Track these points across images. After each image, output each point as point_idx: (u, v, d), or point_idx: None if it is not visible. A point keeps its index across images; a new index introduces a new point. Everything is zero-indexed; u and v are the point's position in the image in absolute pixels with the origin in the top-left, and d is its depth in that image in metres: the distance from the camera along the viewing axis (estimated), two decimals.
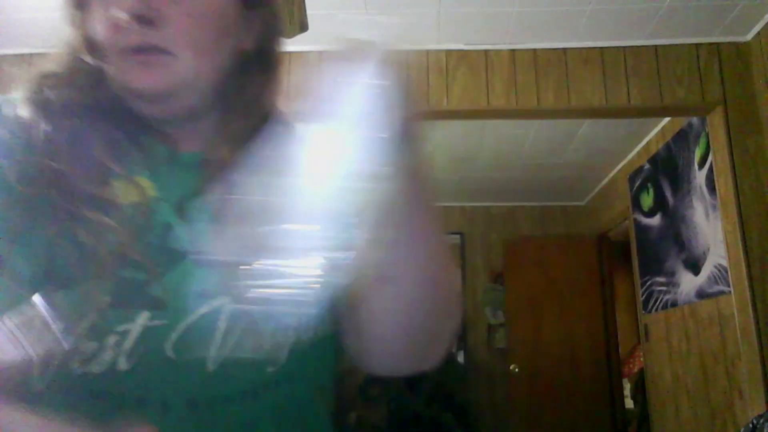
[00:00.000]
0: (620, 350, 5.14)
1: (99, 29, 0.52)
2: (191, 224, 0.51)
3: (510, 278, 5.10)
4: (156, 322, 0.47)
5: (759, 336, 2.58)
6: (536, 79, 2.86)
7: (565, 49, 2.87)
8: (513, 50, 2.89)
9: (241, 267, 0.49)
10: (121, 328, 0.46)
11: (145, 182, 0.52)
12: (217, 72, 0.56)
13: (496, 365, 5.16)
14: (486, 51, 2.89)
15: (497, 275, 5.30)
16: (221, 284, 0.49)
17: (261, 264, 0.48)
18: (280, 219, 0.47)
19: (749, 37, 2.80)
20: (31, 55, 2.95)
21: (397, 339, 0.54)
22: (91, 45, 0.53)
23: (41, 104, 0.52)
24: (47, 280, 0.46)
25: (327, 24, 2.71)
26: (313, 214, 0.46)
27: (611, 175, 4.71)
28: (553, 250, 5.16)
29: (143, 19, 0.50)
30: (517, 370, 4.90)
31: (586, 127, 3.82)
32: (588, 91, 2.83)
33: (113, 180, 0.51)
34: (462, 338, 5.25)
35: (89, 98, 0.53)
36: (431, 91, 2.86)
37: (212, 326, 0.48)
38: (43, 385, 0.45)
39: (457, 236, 5.48)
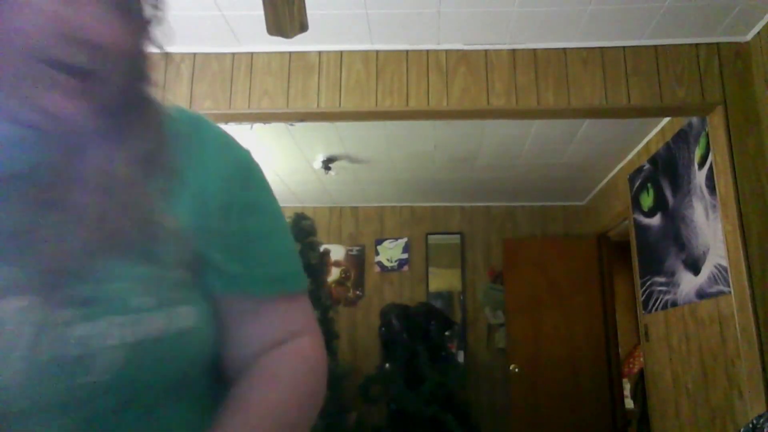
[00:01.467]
0: (620, 350, 5.14)
1: None
2: None
3: (510, 278, 5.10)
4: None
5: (759, 336, 2.58)
6: (536, 79, 2.86)
7: (565, 49, 2.87)
8: (513, 50, 2.89)
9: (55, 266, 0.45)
10: None
11: None
12: None
13: (496, 365, 5.16)
14: (486, 51, 2.90)
15: (497, 275, 5.30)
16: (25, 281, 0.44)
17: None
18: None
19: (749, 37, 2.80)
20: None
21: None
22: None
23: None
24: None
25: (327, 24, 2.71)
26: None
27: (611, 175, 4.71)
28: (553, 250, 5.16)
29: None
30: (517, 370, 4.91)
31: (586, 127, 3.82)
32: (588, 91, 2.83)
33: None
34: (462, 338, 5.25)
35: None
36: (431, 91, 2.86)
37: (12, 333, 0.43)
38: None
39: (457, 236, 5.48)
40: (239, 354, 0.58)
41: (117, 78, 0.50)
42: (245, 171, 0.61)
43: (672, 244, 3.50)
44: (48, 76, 0.46)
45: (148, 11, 0.54)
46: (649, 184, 3.87)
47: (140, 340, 0.47)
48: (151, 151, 0.53)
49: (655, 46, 2.85)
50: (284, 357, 0.58)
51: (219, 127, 0.63)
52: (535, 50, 2.88)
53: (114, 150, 0.51)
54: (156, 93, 0.57)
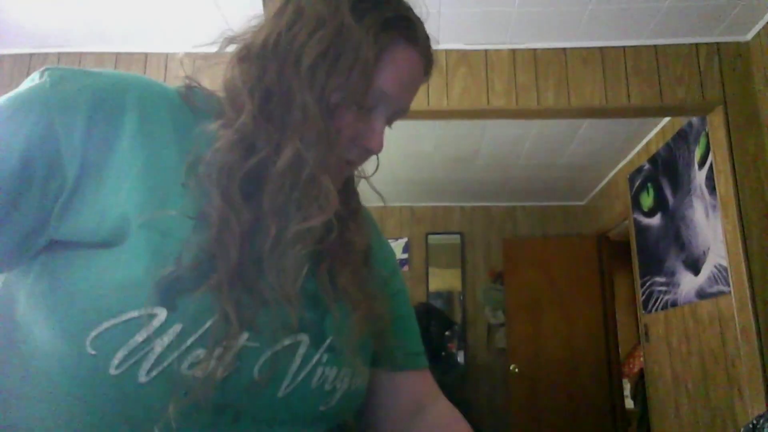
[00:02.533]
0: (620, 350, 5.14)
1: (334, 132, 0.60)
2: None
3: (510, 278, 5.10)
4: (251, 344, 0.53)
5: (759, 336, 2.58)
6: (536, 79, 2.86)
7: (565, 49, 2.87)
8: (513, 50, 2.89)
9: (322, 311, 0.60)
10: (226, 342, 0.50)
11: None
12: None
13: (496, 365, 5.16)
14: (486, 51, 2.90)
15: (497, 275, 5.30)
16: (303, 322, 0.57)
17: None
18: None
19: (749, 37, 2.80)
20: (30, 55, 2.96)
21: None
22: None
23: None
24: (176, 281, 0.50)
25: None
26: None
27: (611, 175, 4.71)
28: (553, 250, 5.16)
29: (375, 153, 0.65)
30: (517, 370, 4.91)
31: (586, 127, 3.82)
32: (588, 91, 2.83)
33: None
34: (462, 338, 5.25)
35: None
36: (431, 91, 2.86)
37: (290, 358, 0.56)
38: (147, 379, 0.48)
39: (457, 236, 5.48)
40: (391, 414, 0.73)
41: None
42: (396, 262, 0.81)
43: (672, 244, 3.50)
44: (338, 166, 0.63)
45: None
46: (649, 184, 3.87)
47: (351, 390, 0.62)
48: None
49: (655, 46, 2.85)
50: (454, 413, 0.73)
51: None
52: (535, 50, 2.88)
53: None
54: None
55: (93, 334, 0.48)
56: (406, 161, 4.47)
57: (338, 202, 0.58)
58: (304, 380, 0.57)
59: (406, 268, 5.45)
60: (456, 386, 4.65)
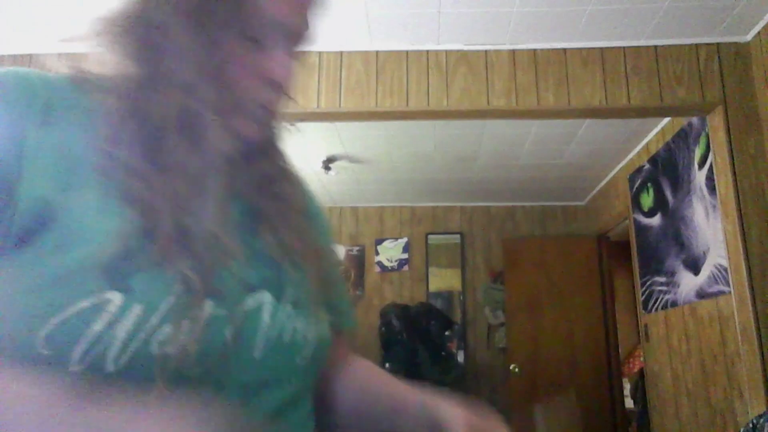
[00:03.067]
0: (620, 350, 5.14)
1: (229, 73, 0.59)
2: (236, 225, 0.58)
3: (510, 278, 5.10)
4: (217, 311, 0.52)
5: (759, 336, 2.59)
6: (536, 79, 2.86)
7: (565, 49, 2.88)
8: (513, 50, 2.89)
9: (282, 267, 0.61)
10: (191, 313, 0.49)
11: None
12: None
13: (496, 365, 5.16)
14: (486, 51, 2.90)
15: (497, 275, 5.30)
16: (261, 280, 0.58)
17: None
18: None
19: (749, 37, 2.80)
20: (30, 55, 2.96)
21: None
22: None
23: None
24: (122, 263, 0.49)
25: (327, 24, 2.71)
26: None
27: (611, 175, 4.71)
28: (553, 250, 5.16)
29: (284, 86, 0.62)
30: (517, 370, 4.91)
31: (586, 127, 3.82)
32: (588, 91, 2.83)
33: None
34: (462, 338, 5.25)
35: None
36: (431, 91, 2.86)
37: (258, 317, 0.56)
38: (115, 367, 0.47)
39: (457, 236, 5.48)
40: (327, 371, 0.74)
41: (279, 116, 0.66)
42: (326, 219, 0.80)
43: (672, 244, 3.50)
44: (247, 110, 0.60)
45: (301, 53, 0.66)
46: (649, 184, 3.87)
47: (320, 339, 0.63)
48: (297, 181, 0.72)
49: (655, 46, 2.85)
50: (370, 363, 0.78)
51: None
52: (535, 50, 2.88)
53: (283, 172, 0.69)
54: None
55: (42, 333, 0.45)
56: (406, 161, 4.47)
57: (257, 135, 0.60)
58: (277, 337, 0.57)
59: (406, 268, 5.45)
60: (456, 386, 4.65)
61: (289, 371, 0.58)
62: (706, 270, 3.08)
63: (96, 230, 0.49)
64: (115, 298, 0.47)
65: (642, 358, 4.21)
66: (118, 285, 0.48)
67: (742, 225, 2.68)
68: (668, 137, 3.56)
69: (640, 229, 4.00)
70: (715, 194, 2.91)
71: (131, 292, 0.48)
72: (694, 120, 3.19)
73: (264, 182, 0.65)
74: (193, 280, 0.50)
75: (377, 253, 5.50)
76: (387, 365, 4.63)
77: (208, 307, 0.51)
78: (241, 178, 0.62)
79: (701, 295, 3.14)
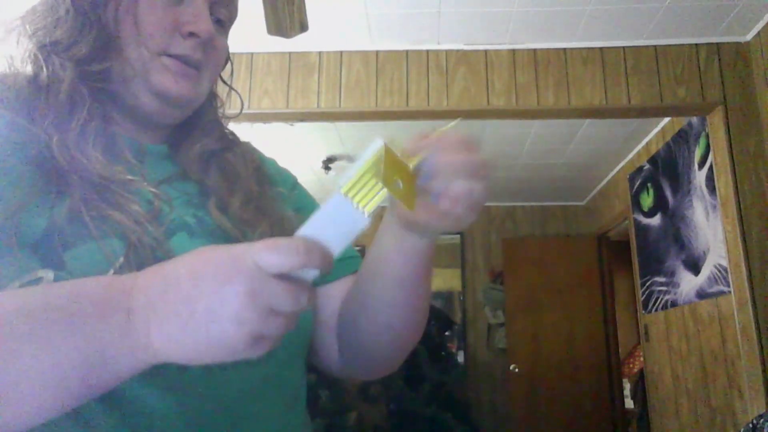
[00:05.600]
0: (620, 350, 5.14)
1: (146, 27, 0.58)
2: (176, 202, 0.58)
3: (510, 278, 5.10)
4: None
5: (759, 336, 2.58)
6: (536, 79, 2.86)
7: (565, 49, 2.87)
8: (513, 50, 2.89)
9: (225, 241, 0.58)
10: None
11: (138, 166, 0.58)
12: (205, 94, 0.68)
13: (496, 365, 5.16)
14: (486, 51, 2.89)
15: (497, 275, 5.30)
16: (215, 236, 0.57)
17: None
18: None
19: (749, 37, 2.80)
20: None
21: (379, 362, 0.67)
22: (111, 38, 0.58)
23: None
24: (52, 241, 0.47)
25: (327, 24, 2.71)
26: None
27: (611, 175, 4.71)
28: (553, 250, 5.16)
29: (202, 38, 0.60)
30: (517, 370, 4.91)
31: (586, 127, 3.82)
32: (588, 91, 2.83)
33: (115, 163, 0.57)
34: (462, 338, 5.25)
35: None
36: (431, 91, 2.86)
37: None
38: None
39: (457, 236, 5.48)
40: (330, 322, 0.69)
41: (213, 71, 0.65)
42: (295, 180, 0.80)
43: (672, 244, 3.50)
44: (166, 66, 0.59)
45: (226, 18, 0.66)
46: (649, 184, 3.87)
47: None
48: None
49: (655, 46, 2.85)
50: None
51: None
52: (535, 50, 2.88)
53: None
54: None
55: None
56: None
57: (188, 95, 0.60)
58: None
59: None
60: (456, 386, 4.65)
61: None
62: (706, 270, 3.08)
63: (22, 209, 0.48)
64: (47, 275, 0.45)
65: (642, 358, 4.21)
66: (50, 262, 0.46)
67: (742, 225, 2.68)
68: (668, 137, 3.56)
69: (640, 229, 4.00)
70: (715, 194, 2.91)
71: (64, 269, 0.46)
72: (694, 120, 3.19)
73: (209, 158, 0.65)
74: (133, 255, 0.48)
75: None
76: None
77: None
78: (184, 157, 0.63)
79: (701, 295, 3.14)
